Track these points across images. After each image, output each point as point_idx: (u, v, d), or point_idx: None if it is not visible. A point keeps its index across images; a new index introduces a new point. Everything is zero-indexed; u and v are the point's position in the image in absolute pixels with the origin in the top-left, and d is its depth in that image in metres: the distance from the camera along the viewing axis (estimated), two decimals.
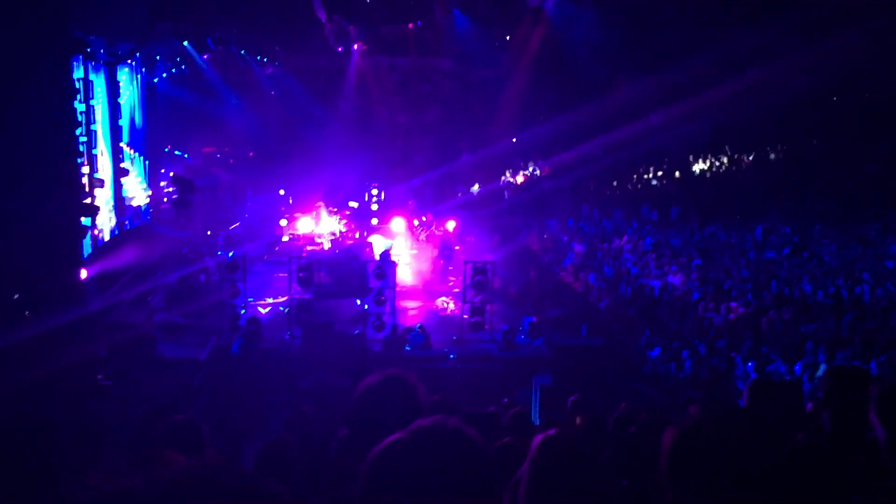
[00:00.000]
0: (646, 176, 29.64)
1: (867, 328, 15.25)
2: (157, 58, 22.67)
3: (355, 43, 26.72)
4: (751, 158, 30.32)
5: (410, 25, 26.60)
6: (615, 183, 29.14)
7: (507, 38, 28.12)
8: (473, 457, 1.58)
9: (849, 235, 23.14)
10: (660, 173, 29.76)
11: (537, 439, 2.51)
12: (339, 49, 27.57)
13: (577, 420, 5.60)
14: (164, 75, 23.95)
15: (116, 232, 18.79)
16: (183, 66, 24.21)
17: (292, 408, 6.39)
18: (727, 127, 29.56)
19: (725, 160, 30.38)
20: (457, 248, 21.40)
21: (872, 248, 21.73)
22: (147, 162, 22.68)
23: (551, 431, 2.53)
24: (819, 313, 16.21)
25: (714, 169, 30.16)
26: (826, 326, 15.39)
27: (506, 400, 11.34)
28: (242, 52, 24.44)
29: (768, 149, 30.39)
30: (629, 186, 29.09)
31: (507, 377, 13.94)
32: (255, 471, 4.01)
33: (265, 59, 26.71)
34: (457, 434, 1.60)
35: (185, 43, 20.93)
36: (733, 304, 16.91)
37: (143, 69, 21.91)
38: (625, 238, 23.67)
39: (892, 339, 14.68)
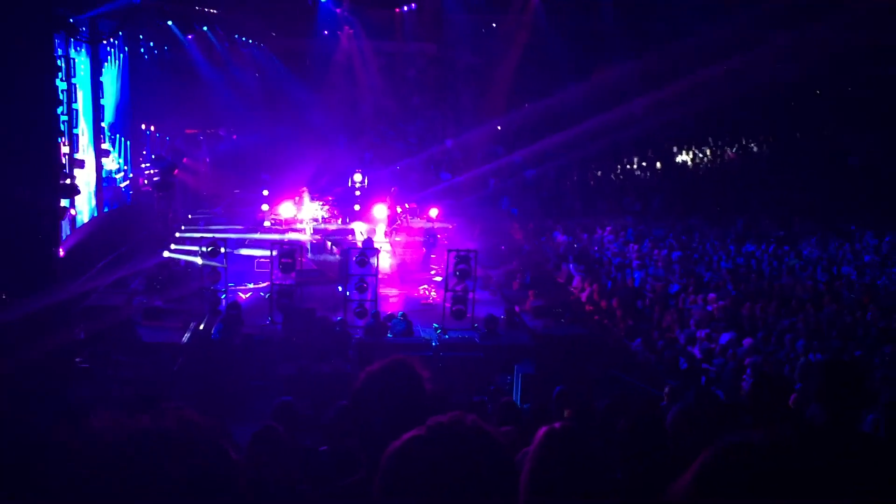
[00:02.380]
0: (629, 166, 29.70)
1: (846, 322, 15.42)
2: (141, 37, 22.36)
3: (342, 26, 26.51)
4: (734, 150, 30.46)
5: (398, 10, 26.42)
6: (599, 173, 29.17)
7: (494, 24, 28.01)
8: (493, 455, 1.56)
9: (829, 229, 23.34)
10: (644, 164, 29.81)
11: (541, 431, 2.51)
12: (326, 32, 27.35)
13: (566, 413, 5.59)
14: (147, 55, 23.64)
15: (96, 214, 18.58)
16: (166, 46, 23.89)
17: (277, 398, 6.37)
18: (711, 118, 29.69)
19: (709, 152, 30.51)
20: (439, 235, 21.35)
21: (852, 242, 21.94)
22: (128, 143, 22.42)
23: (556, 424, 2.52)
24: (799, 307, 16.36)
25: (697, 160, 30.30)
26: (806, 320, 15.53)
27: (493, 388, 11.37)
28: (227, 32, 24.15)
29: (751, 141, 30.56)
30: (612, 176, 29.13)
31: (489, 365, 13.94)
32: (247, 459, 3.97)
33: (250, 41, 26.42)
34: (476, 432, 1.58)
35: (170, 22, 20.64)
36: (713, 296, 17.02)
37: (126, 48, 21.61)
38: (607, 228, 23.74)
39: (869, 333, 14.86)
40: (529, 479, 2.37)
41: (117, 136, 21.27)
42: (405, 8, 26.15)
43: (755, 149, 30.45)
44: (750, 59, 26.50)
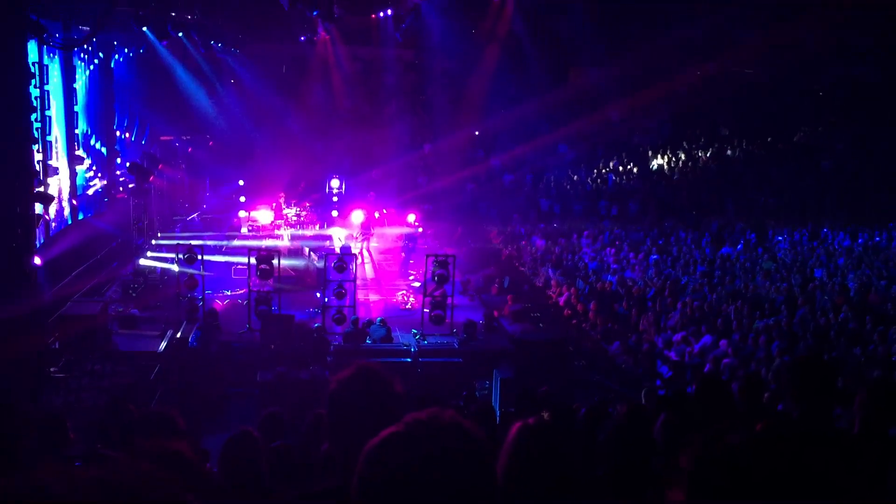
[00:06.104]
0: (605, 171, 29.88)
1: (819, 324, 15.60)
2: (115, 43, 22.17)
3: (318, 32, 26.43)
4: (708, 154, 30.76)
5: (374, 16, 26.40)
6: (575, 177, 29.32)
7: (473, 31, 28.08)
8: (472, 450, 1.55)
9: (802, 232, 23.63)
10: (620, 168, 30.02)
11: (515, 426, 2.52)
12: (302, 38, 27.28)
13: (546, 415, 5.61)
14: (122, 61, 23.43)
15: (70, 221, 18.40)
16: (141, 51, 23.71)
17: (264, 409, 6.34)
18: (685, 122, 29.99)
19: (683, 156, 30.77)
20: (417, 240, 21.36)
21: (825, 244, 22.21)
22: (104, 149, 22.23)
23: (530, 420, 2.53)
24: (773, 309, 16.53)
25: (672, 164, 30.55)
26: (779, 321, 15.69)
27: (465, 393, 11.40)
28: (203, 38, 24.00)
29: (726, 145, 30.88)
30: (588, 180, 29.29)
31: (468, 370, 13.96)
32: (221, 463, 3.96)
33: (227, 47, 26.27)
34: (454, 427, 1.58)
35: (144, 28, 20.45)
36: (689, 299, 17.16)
37: (101, 54, 21.41)
38: (585, 233, 23.87)
39: (843, 334, 15.05)
40: (504, 474, 2.38)
41: (93, 140, 21.09)
42: (381, 14, 26.12)
43: (729, 152, 30.78)
44: (722, 62, 26.80)
